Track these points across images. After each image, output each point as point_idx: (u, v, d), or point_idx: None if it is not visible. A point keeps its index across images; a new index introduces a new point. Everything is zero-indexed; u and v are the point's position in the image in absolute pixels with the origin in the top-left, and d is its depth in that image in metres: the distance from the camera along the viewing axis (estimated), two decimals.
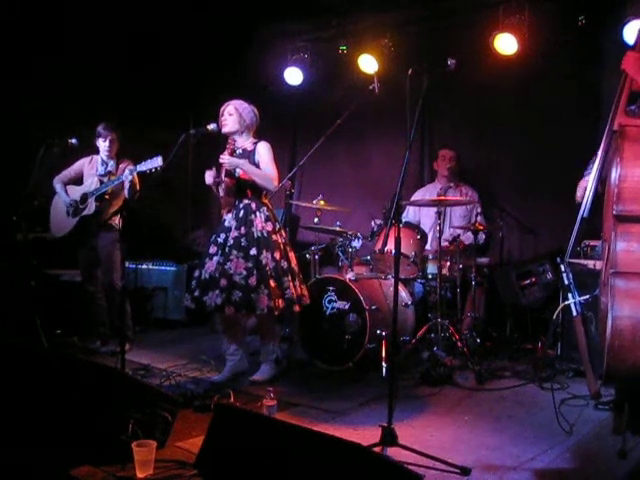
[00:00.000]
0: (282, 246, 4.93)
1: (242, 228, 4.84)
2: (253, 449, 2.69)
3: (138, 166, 5.34)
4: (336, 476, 2.38)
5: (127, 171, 5.50)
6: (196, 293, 4.83)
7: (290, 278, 4.88)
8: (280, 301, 4.77)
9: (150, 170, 5.23)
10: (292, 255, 5.04)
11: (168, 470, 3.17)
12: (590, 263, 3.67)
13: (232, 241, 4.82)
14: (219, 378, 5.00)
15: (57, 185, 5.97)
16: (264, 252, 4.78)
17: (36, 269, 6.14)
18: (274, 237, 4.88)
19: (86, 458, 3.19)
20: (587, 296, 3.61)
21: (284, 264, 4.87)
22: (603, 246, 3.57)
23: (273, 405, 3.92)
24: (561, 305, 3.71)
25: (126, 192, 5.66)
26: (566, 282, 3.62)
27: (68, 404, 3.39)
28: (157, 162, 5.17)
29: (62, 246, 6.14)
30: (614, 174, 3.26)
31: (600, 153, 3.57)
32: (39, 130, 6.17)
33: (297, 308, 4.94)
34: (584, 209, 3.54)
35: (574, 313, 3.56)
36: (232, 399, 4.23)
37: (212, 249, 4.90)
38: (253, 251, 4.77)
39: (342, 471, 2.38)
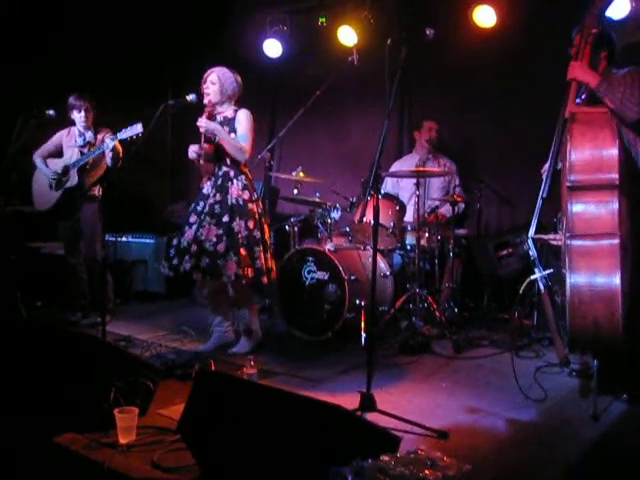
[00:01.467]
0: (257, 216, 4.92)
1: (218, 195, 4.85)
2: (234, 413, 2.73)
3: (119, 134, 5.32)
4: (317, 438, 2.43)
5: (108, 140, 5.45)
6: (174, 261, 4.84)
7: (262, 249, 4.88)
8: (250, 270, 4.77)
9: (131, 137, 5.21)
10: (266, 227, 5.04)
11: (150, 436, 3.20)
12: (552, 237, 3.86)
13: (207, 208, 4.84)
14: (205, 348, 5.04)
15: (37, 160, 5.93)
16: (237, 220, 4.78)
17: (16, 242, 6.13)
18: (250, 205, 4.87)
19: (69, 425, 3.21)
20: (550, 270, 3.77)
21: (257, 234, 4.86)
22: (562, 221, 3.74)
23: (253, 373, 3.97)
24: (527, 280, 3.88)
25: (109, 161, 5.63)
26: (531, 257, 3.79)
27: (51, 373, 3.41)
28: (137, 129, 5.15)
29: (42, 219, 6.13)
30: (566, 152, 3.58)
31: (555, 139, 3.82)
32: (15, 102, 6.11)
33: (265, 280, 4.93)
34: (543, 189, 3.79)
35: (541, 288, 3.72)
36: (213, 368, 4.26)
37: (192, 218, 4.91)
38: (225, 218, 4.77)
39: (323, 433, 2.43)
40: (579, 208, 3.52)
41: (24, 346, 3.64)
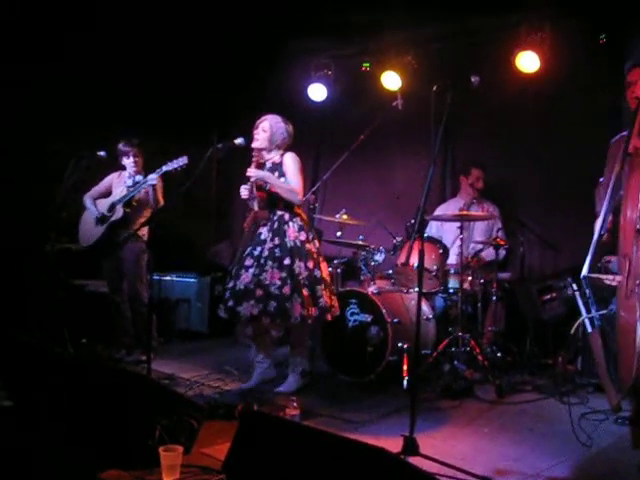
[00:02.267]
0: (315, 255, 4.99)
1: (276, 239, 4.93)
2: (279, 454, 2.75)
3: (164, 167, 5.48)
4: None
5: (153, 174, 5.63)
6: (230, 303, 4.90)
7: (323, 287, 4.93)
8: (313, 309, 4.82)
9: (176, 169, 5.35)
10: (324, 265, 5.10)
11: (194, 475, 3.22)
12: (609, 277, 3.70)
13: (267, 252, 4.91)
14: (248, 385, 5.09)
15: (87, 200, 6.10)
16: (297, 261, 4.85)
17: (63, 279, 6.25)
18: (307, 246, 4.95)
19: (115, 462, 3.25)
20: (604, 311, 3.67)
21: (317, 273, 4.93)
22: (620, 261, 3.63)
23: (296, 415, 3.99)
24: (579, 320, 3.74)
25: (151, 199, 5.78)
26: (579, 299, 3.70)
27: (98, 410, 3.46)
28: (183, 161, 5.31)
29: (87, 257, 6.25)
30: (638, 190, 3.37)
31: (614, 174, 3.67)
32: (67, 144, 6.29)
33: (329, 317, 4.99)
34: (600, 226, 3.63)
35: (588, 329, 3.63)
36: (255, 408, 4.28)
37: (248, 261, 4.97)
38: (287, 261, 4.84)
39: (367, 476, 2.44)
40: None
41: (72, 383, 3.69)
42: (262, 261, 4.90)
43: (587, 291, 3.60)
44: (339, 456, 2.57)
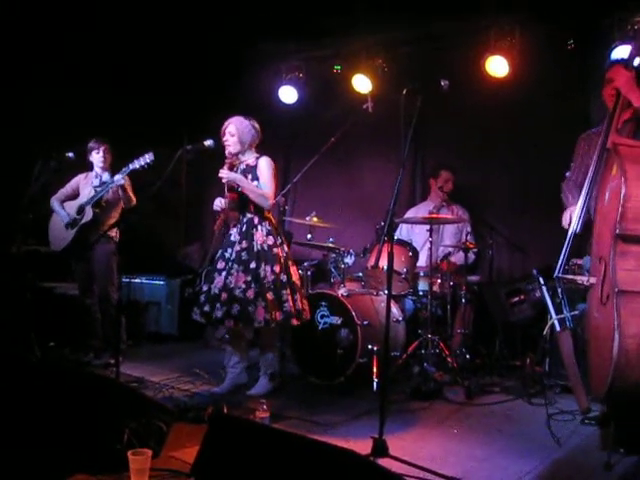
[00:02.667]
0: (282, 260, 4.97)
1: (244, 242, 4.92)
2: (248, 457, 2.74)
3: (130, 165, 5.45)
4: None
5: (118, 175, 5.61)
6: (206, 308, 4.89)
7: (289, 292, 4.91)
8: (277, 314, 4.81)
9: (142, 166, 5.33)
10: (294, 269, 5.09)
11: (163, 478, 3.21)
12: (583, 279, 3.65)
13: (234, 255, 4.91)
14: (219, 390, 5.06)
15: (55, 203, 6.03)
16: (263, 265, 4.84)
17: (31, 282, 6.18)
18: (274, 250, 4.93)
19: (82, 466, 3.22)
20: (576, 312, 3.67)
21: (283, 277, 4.91)
22: (594, 262, 3.60)
23: (266, 417, 3.98)
24: (550, 321, 3.72)
25: (122, 199, 5.75)
26: (547, 297, 3.69)
27: (65, 414, 3.42)
28: (149, 157, 5.29)
29: (56, 259, 6.19)
30: (619, 193, 3.29)
31: (591, 170, 3.66)
32: (35, 144, 6.23)
33: (295, 322, 4.96)
34: (576, 225, 3.62)
35: (557, 328, 3.62)
36: (225, 411, 4.26)
37: (220, 264, 4.97)
38: (252, 264, 4.84)
39: (338, 478, 2.44)
40: (625, 260, 3.24)
41: (39, 386, 3.65)
42: (230, 264, 4.90)
43: (559, 291, 3.59)
44: (309, 458, 2.57)
